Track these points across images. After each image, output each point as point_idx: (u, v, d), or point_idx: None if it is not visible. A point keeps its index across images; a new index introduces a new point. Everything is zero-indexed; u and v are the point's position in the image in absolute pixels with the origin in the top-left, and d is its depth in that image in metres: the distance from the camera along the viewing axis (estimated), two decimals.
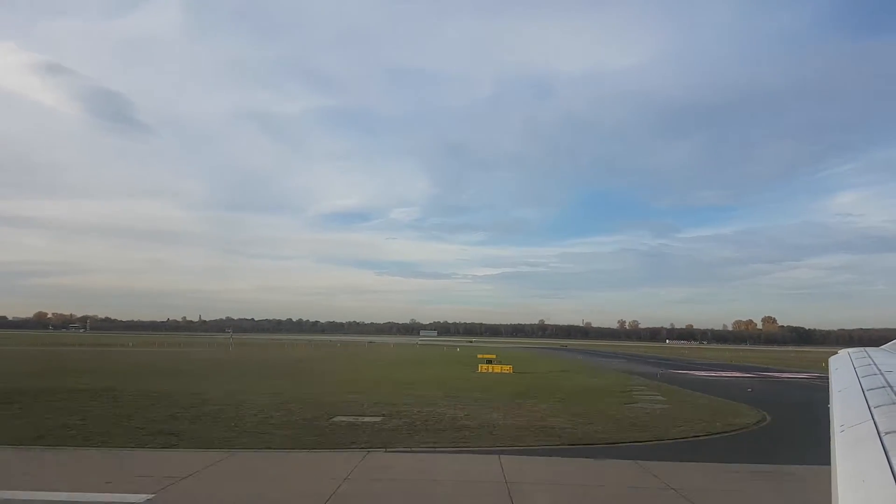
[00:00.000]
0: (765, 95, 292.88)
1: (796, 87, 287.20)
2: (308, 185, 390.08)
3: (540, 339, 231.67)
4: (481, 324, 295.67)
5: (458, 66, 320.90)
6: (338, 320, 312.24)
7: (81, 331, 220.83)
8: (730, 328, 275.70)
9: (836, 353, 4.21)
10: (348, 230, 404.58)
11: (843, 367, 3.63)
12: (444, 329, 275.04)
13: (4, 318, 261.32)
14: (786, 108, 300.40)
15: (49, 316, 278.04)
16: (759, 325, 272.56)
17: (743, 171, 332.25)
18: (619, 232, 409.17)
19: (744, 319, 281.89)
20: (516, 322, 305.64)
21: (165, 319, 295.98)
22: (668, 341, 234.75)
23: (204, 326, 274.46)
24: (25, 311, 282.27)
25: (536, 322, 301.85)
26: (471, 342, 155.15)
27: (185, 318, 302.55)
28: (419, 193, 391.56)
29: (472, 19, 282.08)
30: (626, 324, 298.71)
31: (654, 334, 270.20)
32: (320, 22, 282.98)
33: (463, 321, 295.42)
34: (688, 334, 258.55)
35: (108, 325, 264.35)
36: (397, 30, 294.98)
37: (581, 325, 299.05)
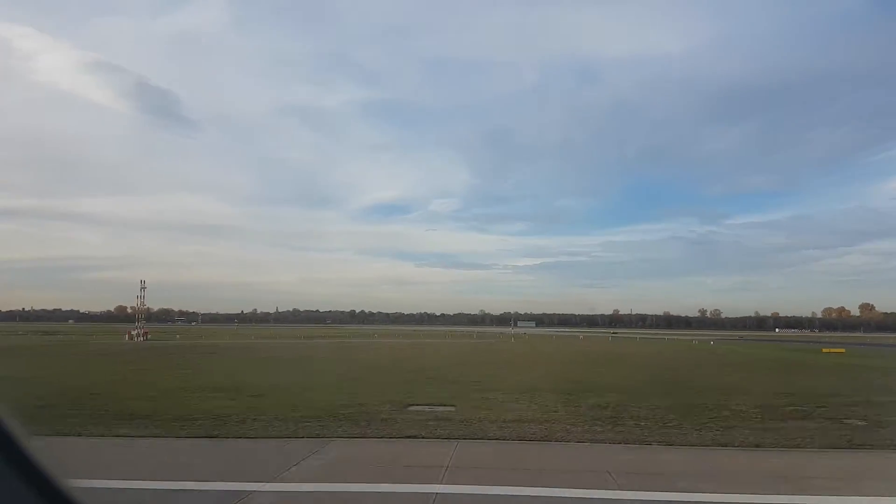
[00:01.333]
0: (818, 78, 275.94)
1: (851, 70, 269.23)
2: (350, 179, 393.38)
3: (593, 328, 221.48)
4: (528, 313, 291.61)
5: (500, 55, 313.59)
6: (384, 311, 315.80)
7: (193, 324, 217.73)
8: (818, 314, 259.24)
9: None
10: (389, 222, 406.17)
11: None
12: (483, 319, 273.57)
13: (76, 311, 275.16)
14: (840, 92, 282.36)
15: (128, 310, 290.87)
16: (856, 313, 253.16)
17: (795, 156, 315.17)
18: (665, 220, 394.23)
19: (835, 307, 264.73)
20: (561, 311, 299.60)
21: (239, 311, 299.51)
22: (777, 330, 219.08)
23: (271, 318, 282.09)
24: (86, 305, 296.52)
25: (587, 311, 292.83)
26: (614, 334, 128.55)
27: (255, 310, 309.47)
28: (460, 184, 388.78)
29: (515, 5, 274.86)
30: (708, 312, 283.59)
31: (761, 323, 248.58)
32: (361, 14, 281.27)
33: (504, 311, 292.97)
34: (795, 322, 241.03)
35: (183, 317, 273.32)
36: (438, 19, 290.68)
37: (660, 313, 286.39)
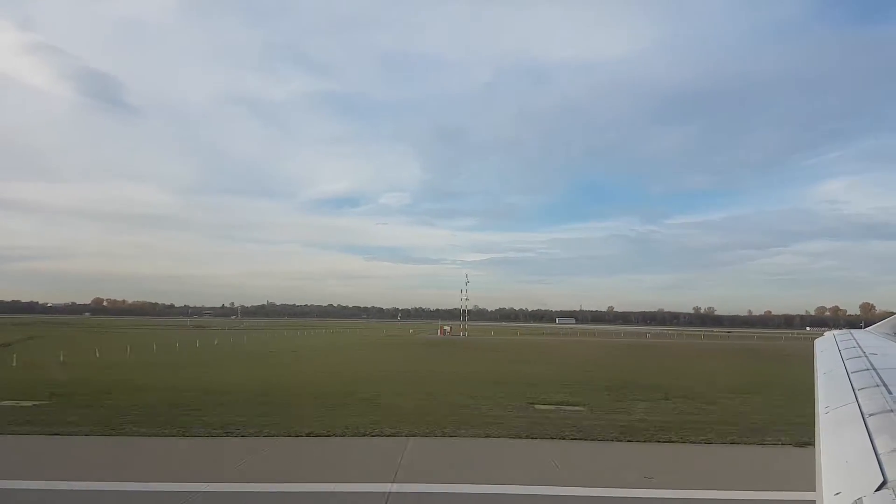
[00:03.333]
0: (758, 84, 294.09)
1: (789, 76, 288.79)
2: (298, 170, 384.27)
3: (538, 323, 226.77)
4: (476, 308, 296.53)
5: (454, 53, 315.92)
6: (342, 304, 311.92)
7: (233, 317, 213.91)
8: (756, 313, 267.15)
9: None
10: (338, 215, 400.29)
11: (828, 348, 3.67)
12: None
13: (37, 303, 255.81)
14: (779, 97, 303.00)
15: (104, 303, 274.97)
16: (855, 312, 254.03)
17: (733, 158, 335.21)
18: (609, 218, 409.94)
19: (828, 306, 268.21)
20: (507, 307, 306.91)
21: (174, 304, 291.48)
22: (808, 328, 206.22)
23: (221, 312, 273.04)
24: (10, 296, 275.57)
25: (535, 308, 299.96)
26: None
27: (226, 304, 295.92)
28: (411, 179, 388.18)
29: (469, 5, 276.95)
30: (702, 309, 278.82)
31: (790, 321, 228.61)
32: (313, 5, 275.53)
33: (451, 307, 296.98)
34: (819, 321, 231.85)
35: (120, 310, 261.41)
36: (392, 14, 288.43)
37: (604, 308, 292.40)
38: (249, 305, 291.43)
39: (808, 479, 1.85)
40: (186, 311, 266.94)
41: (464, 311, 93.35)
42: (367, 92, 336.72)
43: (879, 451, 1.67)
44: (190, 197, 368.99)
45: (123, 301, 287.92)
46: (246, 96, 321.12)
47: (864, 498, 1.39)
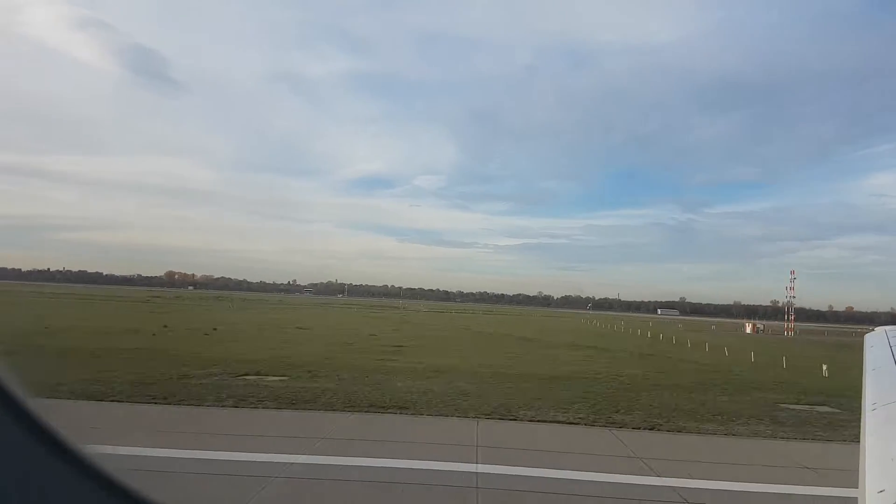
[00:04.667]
0: (807, 76, 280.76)
1: (840, 68, 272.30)
2: (334, 149, 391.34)
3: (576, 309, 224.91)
4: (503, 294, 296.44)
5: (494, 35, 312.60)
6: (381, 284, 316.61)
7: (341, 296, 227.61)
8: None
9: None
10: (371, 196, 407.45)
11: (878, 344, 3.55)
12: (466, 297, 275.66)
13: (51, 270, 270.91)
14: (828, 89, 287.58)
15: (176, 276, 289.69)
16: None
17: (779, 149, 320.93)
18: (647, 206, 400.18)
19: (870, 301, 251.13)
20: (538, 293, 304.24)
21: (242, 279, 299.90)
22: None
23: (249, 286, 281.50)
24: (55, 264, 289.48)
25: (569, 293, 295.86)
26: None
27: (265, 280, 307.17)
28: (445, 161, 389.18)
29: None
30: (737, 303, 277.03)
31: (871, 318, 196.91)
32: None
33: (483, 290, 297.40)
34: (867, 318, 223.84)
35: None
36: None
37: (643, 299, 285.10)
38: (310, 283, 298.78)
39: (851, 476, 1.83)
40: (281, 288, 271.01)
41: (789, 306, 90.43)
42: (404, 72, 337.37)
43: None
44: (228, 173, 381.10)
45: (193, 275, 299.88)
46: (287, 74, 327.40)
47: None
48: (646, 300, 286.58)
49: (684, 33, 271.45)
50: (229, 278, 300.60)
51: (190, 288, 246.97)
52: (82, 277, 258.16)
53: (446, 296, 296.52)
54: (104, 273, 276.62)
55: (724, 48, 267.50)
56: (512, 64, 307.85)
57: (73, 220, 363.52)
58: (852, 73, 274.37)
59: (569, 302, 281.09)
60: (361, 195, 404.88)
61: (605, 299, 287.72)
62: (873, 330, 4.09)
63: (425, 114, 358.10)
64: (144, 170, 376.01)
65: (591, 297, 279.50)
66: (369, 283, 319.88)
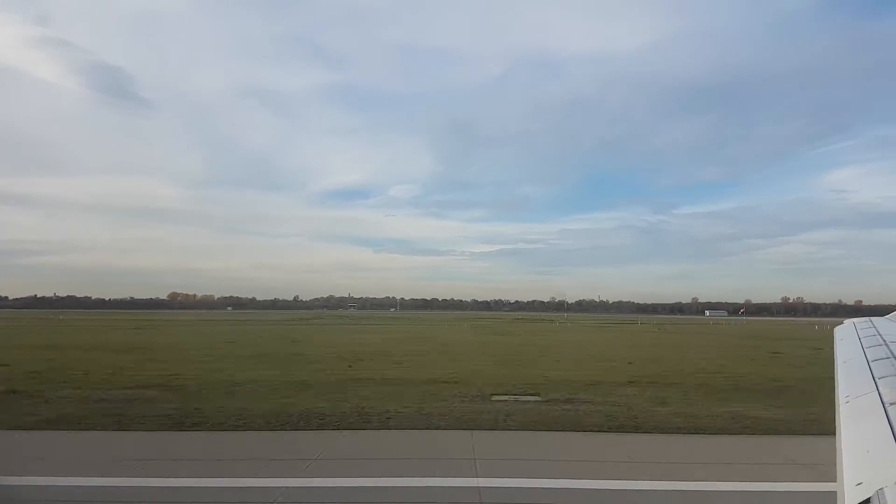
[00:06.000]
0: (768, 77, 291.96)
1: (798, 69, 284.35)
2: (308, 162, 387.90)
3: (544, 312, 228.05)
4: (481, 300, 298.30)
5: (466, 45, 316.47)
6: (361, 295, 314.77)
7: (393, 310, 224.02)
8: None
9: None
10: (347, 207, 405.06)
11: (848, 337, 3.65)
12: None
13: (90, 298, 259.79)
14: (788, 90, 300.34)
15: (179, 297, 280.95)
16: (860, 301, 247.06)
17: (743, 150, 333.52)
18: (618, 209, 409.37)
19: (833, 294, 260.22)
20: (518, 298, 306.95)
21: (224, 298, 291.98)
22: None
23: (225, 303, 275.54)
24: (16, 292, 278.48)
25: (546, 297, 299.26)
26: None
27: (235, 296, 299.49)
28: (421, 170, 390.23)
29: None
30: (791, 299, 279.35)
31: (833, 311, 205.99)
32: None
33: (459, 298, 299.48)
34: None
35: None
36: (403, 6, 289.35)
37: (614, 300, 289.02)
38: (262, 299, 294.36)
39: (829, 470, 1.87)
40: (309, 304, 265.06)
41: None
42: (380, 84, 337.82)
43: None
44: (199, 190, 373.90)
45: (194, 296, 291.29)
46: (258, 88, 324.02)
47: (885, 488, 1.40)
48: (625, 300, 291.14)
49: (647, 40, 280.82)
50: (239, 297, 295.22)
51: (229, 308, 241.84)
52: (69, 302, 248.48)
53: (425, 304, 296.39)
54: (79, 296, 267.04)
55: (685, 54, 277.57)
56: (486, 74, 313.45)
57: (34, 244, 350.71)
58: (809, 74, 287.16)
59: (550, 307, 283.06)
60: (337, 207, 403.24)
61: (591, 301, 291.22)
62: (843, 323, 4.22)
63: (401, 124, 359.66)
64: (110, 191, 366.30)
65: (584, 300, 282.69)
66: (341, 296, 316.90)
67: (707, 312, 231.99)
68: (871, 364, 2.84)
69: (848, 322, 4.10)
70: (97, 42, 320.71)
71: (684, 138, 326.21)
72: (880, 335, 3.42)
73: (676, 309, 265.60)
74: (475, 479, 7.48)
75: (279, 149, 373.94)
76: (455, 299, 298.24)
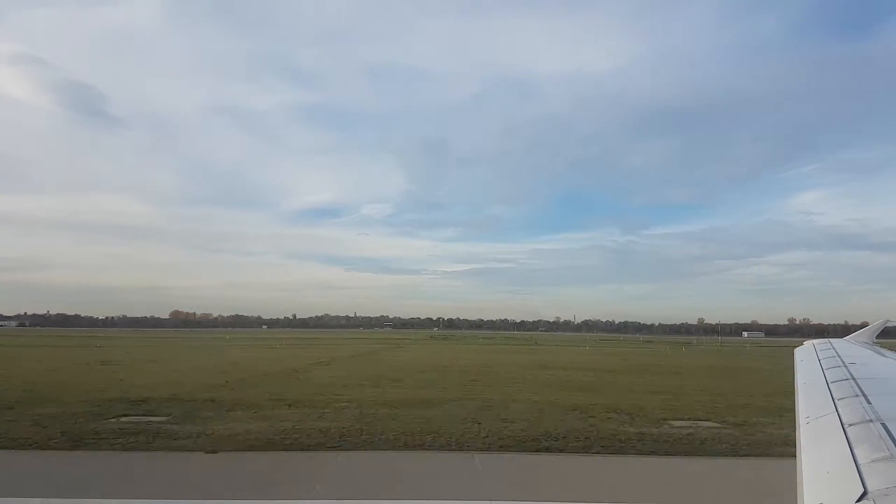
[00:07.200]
0: (738, 99, 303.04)
1: (767, 92, 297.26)
2: (280, 181, 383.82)
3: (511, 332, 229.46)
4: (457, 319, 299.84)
5: (440, 65, 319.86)
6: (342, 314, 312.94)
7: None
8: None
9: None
10: (319, 226, 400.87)
11: (807, 358, 3.71)
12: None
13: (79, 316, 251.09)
14: (757, 112, 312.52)
15: (182, 315, 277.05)
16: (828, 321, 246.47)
17: (714, 171, 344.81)
18: (590, 229, 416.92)
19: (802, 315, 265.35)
20: (489, 317, 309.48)
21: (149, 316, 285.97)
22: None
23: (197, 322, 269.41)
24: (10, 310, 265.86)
25: (516, 317, 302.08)
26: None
27: (206, 314, 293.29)
28: (394, 190, 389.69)
29: (456, 19, 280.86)
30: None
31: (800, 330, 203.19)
32: (300, 17, 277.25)
33: (430, 316, 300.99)
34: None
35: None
36: (378, 27, 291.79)
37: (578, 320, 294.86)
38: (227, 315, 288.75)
39: (788, 491, 1.85)
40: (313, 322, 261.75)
41: None
42: (354, 103, 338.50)
43: (860, 461, 1.68)
44: (170, 208, 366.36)
45: (193, 314, 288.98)
46: (231, 107, 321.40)
47: None
48: (596, 318, 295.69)
49: (621, 62, 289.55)
50: (243, 315, 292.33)
51: (264, 327, 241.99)
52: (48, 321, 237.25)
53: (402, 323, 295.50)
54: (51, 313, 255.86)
55: (657, 76, 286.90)
56: (460, 94, 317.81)
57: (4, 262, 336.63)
58: (777, 97, 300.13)
59: (524, 326, 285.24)
60: (308, 225, 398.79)
61: (562, 321, 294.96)
62: (802, 344, 4.29)
63: (374, 143, 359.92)
64: (79, 208, 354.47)
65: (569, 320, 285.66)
66: (317, 315, 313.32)
67: (744, 333, 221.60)
68: (830, 385, 2.88)
69: (808, 343, 4.17)
70: (70, 60, 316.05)
71: (655, 159, 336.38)
72: (839, 356, 3.49)
73: (644, 328, 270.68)
74: None
75: (252, 167, 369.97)
76: (432, 318, 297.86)
